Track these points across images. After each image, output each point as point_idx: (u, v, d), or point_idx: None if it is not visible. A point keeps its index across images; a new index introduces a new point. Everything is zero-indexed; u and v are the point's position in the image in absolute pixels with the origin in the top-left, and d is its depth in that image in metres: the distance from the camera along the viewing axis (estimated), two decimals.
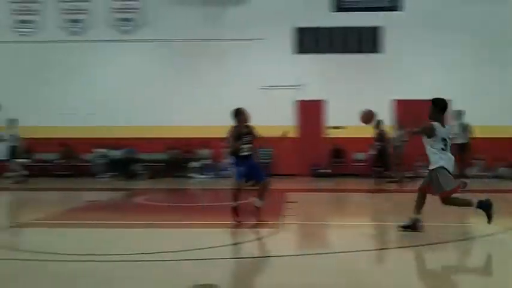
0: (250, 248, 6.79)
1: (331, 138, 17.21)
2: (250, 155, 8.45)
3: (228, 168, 8.64)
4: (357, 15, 17.42)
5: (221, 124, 16.30)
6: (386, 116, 15.93)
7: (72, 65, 17.71)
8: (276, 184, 15.50)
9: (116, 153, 17.11)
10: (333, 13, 17.54)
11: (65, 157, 17.39)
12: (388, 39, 17.29)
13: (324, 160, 17.25)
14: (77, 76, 17.72)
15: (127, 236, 7.79)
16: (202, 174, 16.84)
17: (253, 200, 8.34)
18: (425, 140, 7.23)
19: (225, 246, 6.82)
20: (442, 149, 7.14)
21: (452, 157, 7.27)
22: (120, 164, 16.88)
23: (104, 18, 17.91)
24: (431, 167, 7.19)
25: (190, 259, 6.02)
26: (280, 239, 7.47)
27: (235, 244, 7.05)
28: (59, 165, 17.32)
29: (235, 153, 8.36)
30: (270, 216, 8.96)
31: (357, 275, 5.43)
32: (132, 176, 16.49)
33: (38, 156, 17.43)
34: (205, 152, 17.20)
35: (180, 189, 14.95)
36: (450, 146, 7.24)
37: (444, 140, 7.17)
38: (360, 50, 17.49)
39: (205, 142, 17.04)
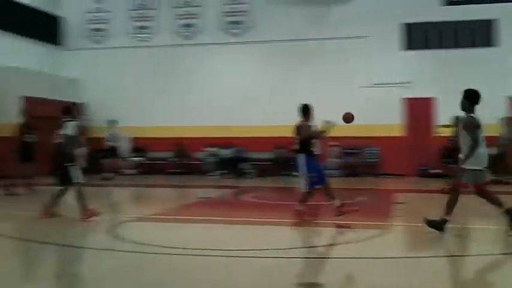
0: (356, 248, 6.79)
1: (441, 137, 16.59)
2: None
3: (300, 171, 8.52)
4: (469, 8, 16.68)
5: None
6: (501, 114, 15.17)
7: (186, 67, 18.59)
8: (384, 184, 15.40)
9: (226, 152, 17.72)
10: (443, 7, 16.94)
11: (178, 156, 18.28)
12: (504, 33, 16.39)
13: (433, 160, 16.67)
14: (189, 78, 18.56)
15: (236, 232, 8.07)
16: None
17: (331, 203, 8.34)
18: (466, 137, 7.03)
19: (331, 246, 6.87)
20: (482, 144, 6.98)
21: (487, 151, 7.09)
22: (229, 162, 17.47)
23: (215, 22, 18.62)
24: (467, 166, 6.97)
25: (296, 257, 6.13)
26: (387, 240, 7.41)
27: (341, 244, 7.09)
28: (173, 163, 18.27)
29: (308, 148, 8.29)
30: (378, 217, 8.91)
31: (460, 280, 5.31)
32: (240, 174, 17.00)
33: (153, 154, 18.52)
34: None
35: (286, 187, 15.17)
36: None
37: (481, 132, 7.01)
38: (472, 45, 16.75)
39: None
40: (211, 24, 18.61)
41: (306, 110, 8.53)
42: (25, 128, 12.48)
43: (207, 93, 18.17)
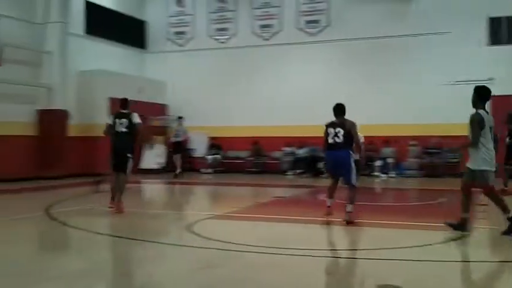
0: (435, 251, 6.63)
1: None
2: None
3: (350, 166, 8.34)
4: None
5: (405, 123, 16.15)
6: None
7: (263, 68, 18.85)
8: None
9: (302, 152, 17.79)
10: None
11: (255, 155, 18.55)
12: None
13: None
14: (267, 78, 18.82)
15: (311, 232, 8.09)
16: (385, 173, 16.69)
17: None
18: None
19: (410, 248, 6.72)
20: (490, 142, 6.78)
21: (494, 151, 6.86)
22: (305, 161, 17.51)
23: (293, 21, 18.73)
24: (474, 167, 6.85)
25: (374, 258, 6.07)
26: (466, 243, 7.19)
27: (420, 246, 6.93)
28: (250, 162, 18.54)
29: (351, 145, 8.33)
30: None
31: None
32: (316, 173, 16.99)
33: (231, 153, 18.92)
34: (388, 150, 17.02)
35: (363, 187, 14.97)
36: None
37: (490, 129, 6.75)
38: None
39: (388, 140, 16.88)
40: (289, 24, 18.73)
41: (344, 110, 8.53)
42: None
43: (284, 93, 18.33)
